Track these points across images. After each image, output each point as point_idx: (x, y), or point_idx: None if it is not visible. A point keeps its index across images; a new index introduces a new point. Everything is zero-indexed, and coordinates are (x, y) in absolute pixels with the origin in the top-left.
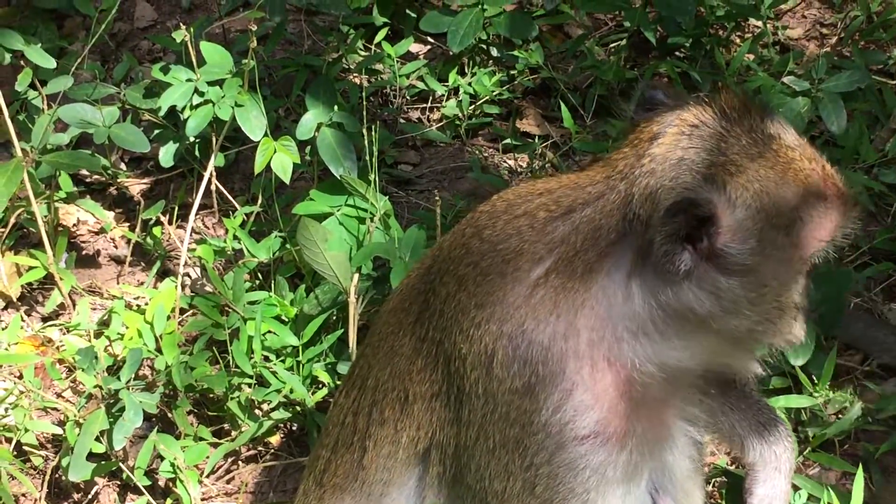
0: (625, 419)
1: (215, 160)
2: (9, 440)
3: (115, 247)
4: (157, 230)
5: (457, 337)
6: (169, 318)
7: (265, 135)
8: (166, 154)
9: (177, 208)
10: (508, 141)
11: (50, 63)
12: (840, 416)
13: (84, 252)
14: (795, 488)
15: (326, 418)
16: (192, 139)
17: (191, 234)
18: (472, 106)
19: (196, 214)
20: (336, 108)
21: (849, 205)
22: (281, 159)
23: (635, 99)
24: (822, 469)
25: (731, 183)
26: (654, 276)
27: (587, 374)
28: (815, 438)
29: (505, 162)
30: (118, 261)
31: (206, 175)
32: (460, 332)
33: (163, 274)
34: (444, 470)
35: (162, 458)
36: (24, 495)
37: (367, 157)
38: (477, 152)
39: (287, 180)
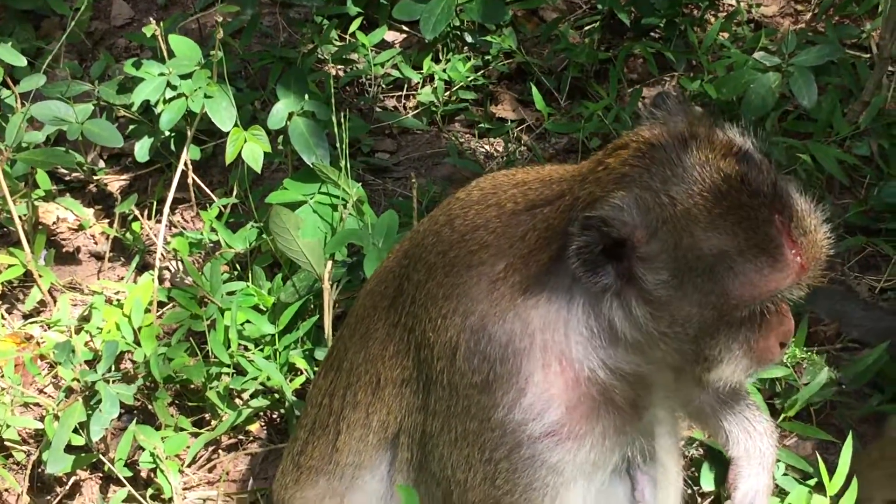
0: (582, 420)
1: (189, 153)
2: None
3: (95, 243)
4: (135, 225)
5: (426, 325)
6: (147, 311)
7: (235, 125)
8: (142, 149)
9: (155, 203)
10: (484, 126)
11: (21, 61)
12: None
13: (64, 249)
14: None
15: (306, 399)
16: (166, 133)
17: (168, 228)
18: (448, 92)
19: (174, 208)
20: (307, 97)
21: (803, 273)
22: (252, 149)
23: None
24: (798, 439)
25: (654, 212)
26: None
27: (541, 376)
28: (789, 407)
29: (481, 147)
30: (98, 257)
31: (180, 167)
32: (429, 321)
33: (142, 268)
34: (411, 456)
35: (142, 450)
36: (7, 490)
37: (339, 145)
38: (453, 138)
39: (258, 169)
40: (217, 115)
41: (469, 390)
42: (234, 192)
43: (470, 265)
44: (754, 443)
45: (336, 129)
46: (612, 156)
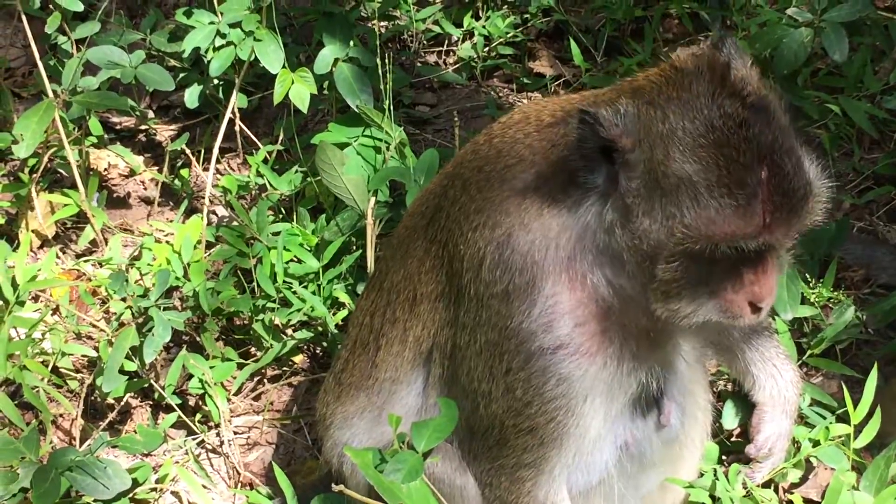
0: (593, 338)
1: (237, 100)
2: (46, 364)
3: (145, 189)
4: (184, 171)
5: (458, 238)
6: (196, 248)
7: (283, 66)
8: (191, 96)
9: (203, 152)
10: (522, 80)
11: (77, 6)
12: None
13: (115, 194)
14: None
15: (349, 321)
16: (215, 81)
17: (215, 176)
18: (487, 48)
19: (221, 157)
20: (352, 44)
21: (766, 232)
22: (298, 90)
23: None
24: (825, 378)
25: (645, 124)
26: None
27: (551, 290)
28: (816, 345)
29: (520, 101)
30: (147, 202)
31: (227, 115)
32: (461, 234)
33: (190, 212)
34: (443, 371)
35: (190, 379)
36: (61, 415)
37: (382, 89)
38: (492, 92)
39: (305, 109)
40: (266, 57)
41: (491, 300)
42: (280, 140)
43: (504, 179)
44: (779, 389)
45: (380, 79)
46: (645, 73)
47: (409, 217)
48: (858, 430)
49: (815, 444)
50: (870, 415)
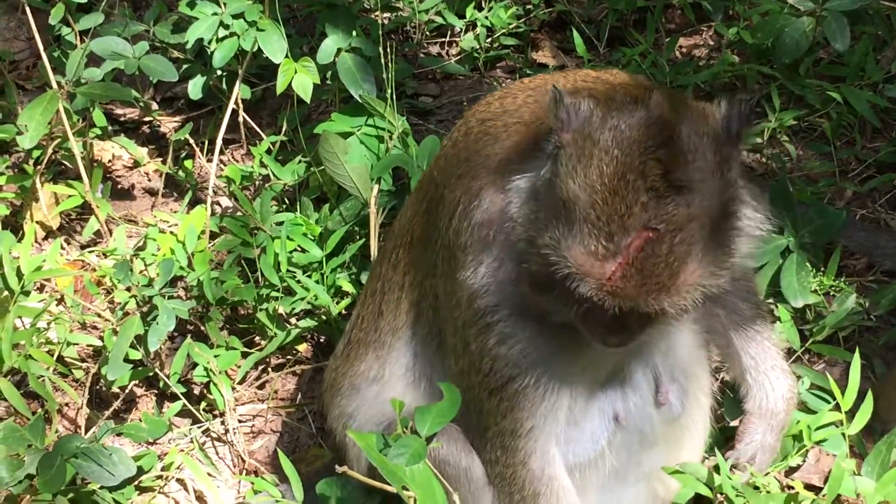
0: (525, 310)
1: (241, 91)
2: (51, 354)
3: (149, 180)
4: (188, 163)
5: (445, 183)
6: (200, 238)
7: (286, 56)
8: (195, 87)
9: (206, 143)
10: (525, 71)
11: None
12: None
13: (119, 186)
14: (798, 376)
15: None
16: (219, 72)
17: (219, 167)
18: (490, 39)
19: (225, 148)
20: (354, 34)
21: (610, 288)
22: (301, 80)
23: None
24: (826, 365)
25: (587, 135)
26: None
27: (497, 251)
28: (818, 331)
29: None
30: (152, 193)
31: (230, 105)
32: (447, 180)
33: (194, 203)
34: (430, 324)
35: (195, 368)
36: (66, 405)
37: (385, 78)
38: (495, 83)
39: (308, 99)
40: (269, 47)
41: (456, 250)
42: (283, 131)
43: (498, 138)
44: (768, 403)
45: (382, 69)
46: (626, 79)
47: (425, 172)
48: (852, 415)
49: (817, 429)
50: (862, 400)
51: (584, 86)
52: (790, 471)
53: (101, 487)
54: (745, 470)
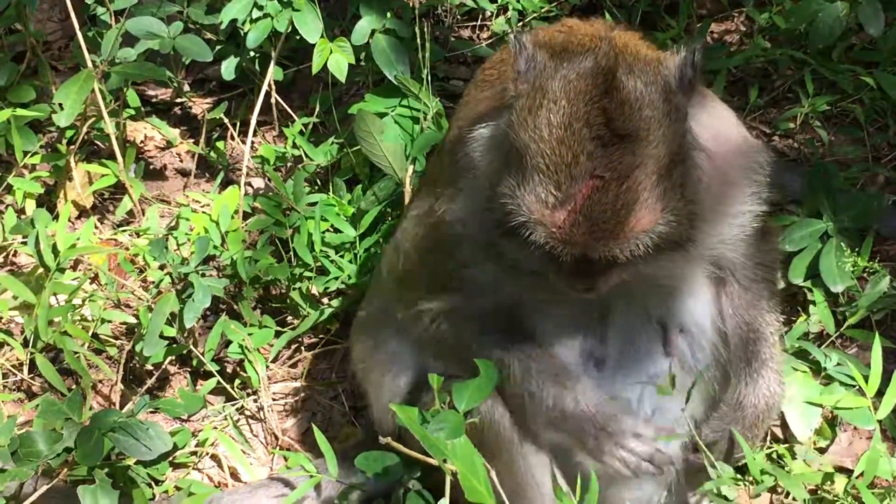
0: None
1: (274, 73)
2: (86, 331)
3: (181, 161)
4: (220, 144)
5: (453, 117)
6: (233, 217)
7: (321, 36)
8: (228, 68)
9: (238, 124)
10: None
11: None
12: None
13: (151, 167)
14: (827, 356)
15: None
16: (251, 53)
17: (252, 150)
18: (521, 23)
19: (257, 129)
20: (388, 15)
21: (562, 235)
22: (337, 59)
23: None
24: (859, 349)
25: (540, 86)
26: None
27: (469, 191)
28: (851, 314)
29: None
30: (184, 173)
31: (264, 88)
32: (455, 114)
33: (226, 184)
34: None
35: (228, 345)
36: (101, 381)
37: (420, 58)
38: None
39: (343, 79)
40: (304, 27)
41: (447, 170)
42: (315, 112)
43: (481, 91)
44: (740, 397)
45: (416, 52)
46: (589, 28)
47: None
48: (877, 399)
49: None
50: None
51: (551, 35)
52: (821, 451)
53: (137, 463)
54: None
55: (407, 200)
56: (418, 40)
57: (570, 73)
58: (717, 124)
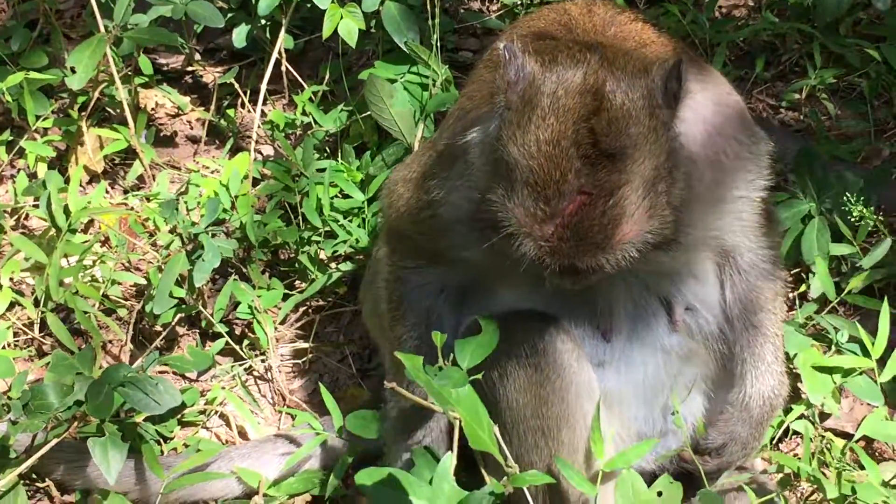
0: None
1: (284, 41)
2: (96, 290)
3: (191, 128)
4: (230, 111)
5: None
6: (243, 182)
7: (332, 1)
8: (239, 35)
9: (249, 93)
10: None
11: None
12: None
13: (162, 133)
14: (836, 329)
15: None
16: (262, 21)
17: (262, 112)
18: None
19: (267, 96)
20: None
21: (548, 249)
22: (347, 25)
23: None
24: (863, 317)
25: (530, 98)
26: None
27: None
28: (854, 279)
29: None
30: (194, 140)
31: (274, 55)
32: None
33: (235, 151)
34: None
35: (236, 307)
36: (110, 342)
37: (430, 26)
38: None
39: (353, 44)
40: None
41: (438, 162)
42: (325, 81)
43: (487, 71)
44: (745, 398)
45: (427, 21)
46: (582, 26)
47: None
48: (883, 364)
49: (847, 373)
50: (892, 349)
51: (548, 24)
52: (823, 418)
53: (146, 419)
54: (715, 457)
55: None
56: (429, 8)
57: (559, 89)
58: (714, 109)
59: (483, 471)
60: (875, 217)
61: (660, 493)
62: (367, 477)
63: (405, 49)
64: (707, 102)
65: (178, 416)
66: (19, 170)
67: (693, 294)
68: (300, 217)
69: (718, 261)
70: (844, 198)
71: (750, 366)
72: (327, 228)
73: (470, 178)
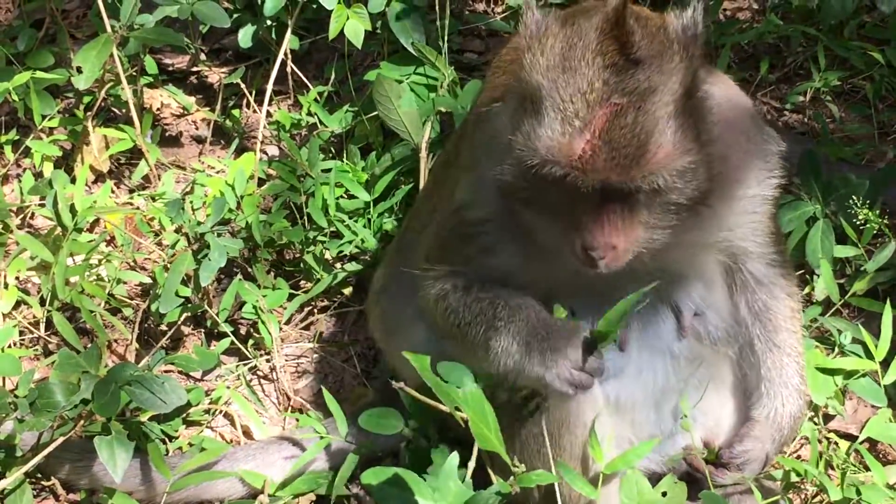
0: (507, 229)
1: (290, 42)
2: (102, 289)
3: (196, 128)
4: (235, 112)
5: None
6: (248, 181)
7: (339, 2)
8: (245, 35)
9: (254, 93)
10: None
11: None
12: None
13: (167, 133)
14: (839, 331)
15: None
16: (268, 21)
17: (267, 113)
18: None
19: (272, 97)
20: None
21: (582, 164)
22: (353, 26)
23: None
24: (867, 319)
25: (549, 36)
26: None
27: (478, 177)
28: (858, 282)
29: None
30: (199, 140)
31: (280, 56)
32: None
33: (241, 151)
34: None
35: (242, 307)
36: (116, 341)
37: (437, 27)
38: None
39: (359, 45)
40: None
41: (459, 168)
42: (330, 82)
43: (500, 76)
44: (777, 417)
45: (433, 22)
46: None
47: None
48: (885, 364)
49: (849, 375)
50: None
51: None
52: (826, 419)
53: (151, 419)
54: (734, 470)
55: (422, 167)
56: (437, 9)
57: (580, 19)
58: (725, 106)
59: (489, 470)
60: (880, 220)
61: (664, 494)
62: (373, 476)
63: (411, 50)
64: (718, 97)
65: (184, 415)
66: (25, 169)
67: (702, 299)
68: (305, 217)
69: (729, 265)
70: (850, 201)
71: (779, 387)
72: (333, 229)
73: (494, 151)
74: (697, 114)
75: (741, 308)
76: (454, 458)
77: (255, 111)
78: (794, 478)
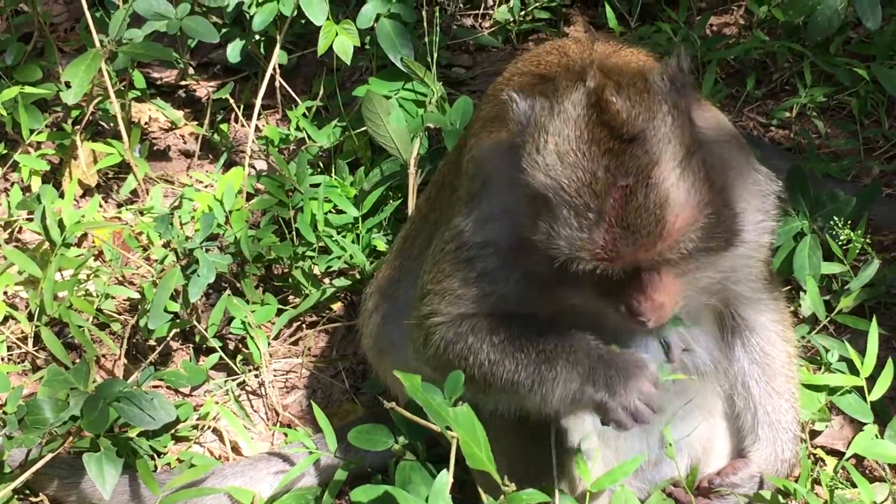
0: (511, 258)
1: (279, 57)
2: (91, 304)
3: (185, 142)
4: (224, 126)
5: (470, 133)
6: (237, 196)
7: (327, 18)
8: (233, 50)
9: (242, 107)
10: None
11: None
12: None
13: (155, 147)
14: (826, 349)
15: None
16: (257, 36)
17: (256, 127)
18: (523, 12)
19: (261, 112)
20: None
21: (606, 254)
22: (342, 42)
23: None
24: (853, 336)
25: (540, 125)
26: None
27: (487, 208)
28: (843, 299)
29: None
30: (187, 155)
31: (269, 71)
32: (472, 132)
33: (229, 165)
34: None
35: (230, 322)
36: (104, 356)
37: (426, 43)
38: None
39: (348, 61)
40: (311, 9)
41: (465, 194)
42: (319, 97)
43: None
44: (776, 461)
45: (421, 38)
46: (573, 53)
47: None
48: (871, 381)
49: (834, 391)
50: (881, 368)
51: (539, 70)
52: (813, 435)
53: (139, 435)
54: (716, 499)
55: (411, 183)
56: (425, 25)
57: (566, 104)
58: (714, 135)
59: (479, 489)
60: (863, 240)
61: None
62: (363, 494)
63: (400, 66)
64: (706, 127)
65: (172, 431)
66: (13, 183)
67: (692, 336)
68: (294, 232)
69: (721, 309)
70: (834, 220)
71: (779, 433)
72: (321, 244)
73: (494, 191)
74: (702, 161)
75: (736, 350)
76: (443, 476)
77: (243, 125)
78: (781, 500)
